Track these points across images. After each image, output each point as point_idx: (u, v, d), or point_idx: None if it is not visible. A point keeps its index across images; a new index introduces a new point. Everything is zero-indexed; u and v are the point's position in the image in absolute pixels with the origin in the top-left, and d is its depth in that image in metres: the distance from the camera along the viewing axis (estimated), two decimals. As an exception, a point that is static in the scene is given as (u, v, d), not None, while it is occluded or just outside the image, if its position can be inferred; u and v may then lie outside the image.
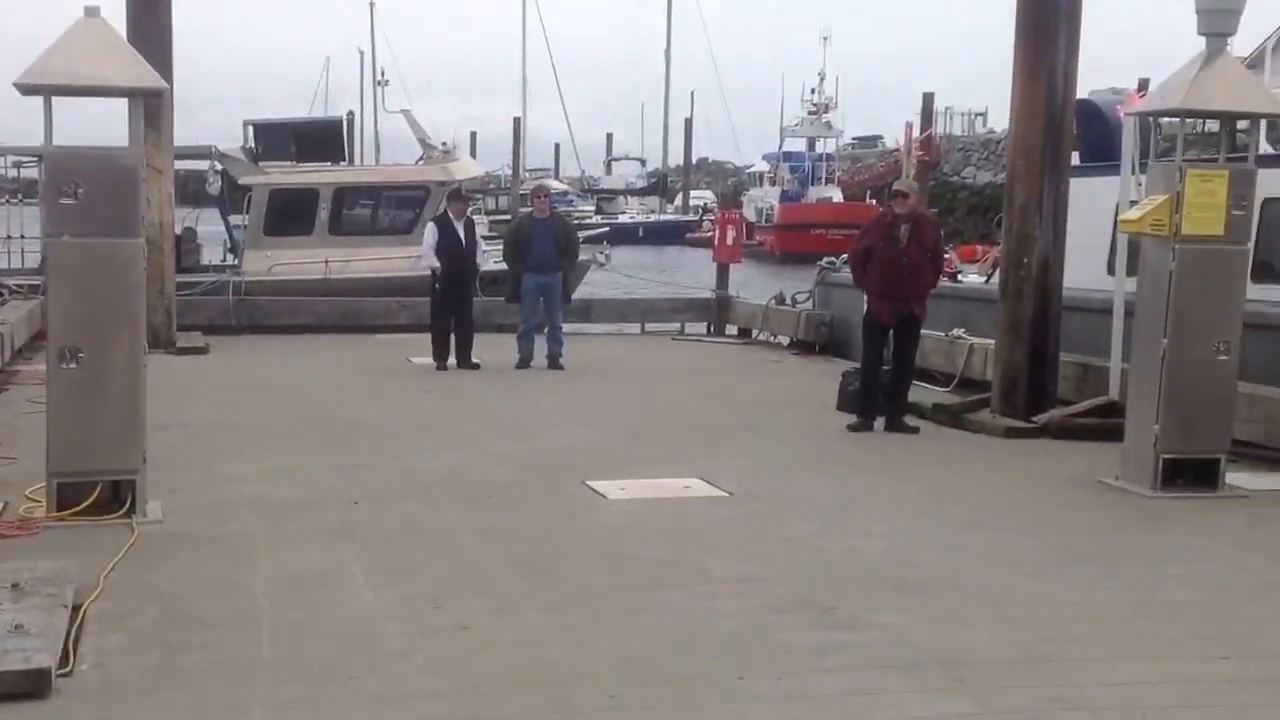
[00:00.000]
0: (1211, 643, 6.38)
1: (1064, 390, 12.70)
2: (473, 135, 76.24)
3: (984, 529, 8.71)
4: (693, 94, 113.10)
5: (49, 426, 8.32)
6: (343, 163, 25.38)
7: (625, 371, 16.84)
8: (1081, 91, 13.38)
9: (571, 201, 75.75)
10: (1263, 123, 12.92)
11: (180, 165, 20.72)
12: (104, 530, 8.02)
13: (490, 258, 18.83)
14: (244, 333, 20.11)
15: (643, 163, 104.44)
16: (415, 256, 19.17)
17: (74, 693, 5.49)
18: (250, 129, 24.45)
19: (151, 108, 10.31)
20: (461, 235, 16.68)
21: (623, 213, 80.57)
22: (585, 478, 9.93)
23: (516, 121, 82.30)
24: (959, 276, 18.61)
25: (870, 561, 7.81)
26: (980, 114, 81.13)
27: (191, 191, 24.20)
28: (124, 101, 8.34)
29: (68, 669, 5.69)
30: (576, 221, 31.84)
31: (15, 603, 6.20)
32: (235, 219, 24.08)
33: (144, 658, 5.92)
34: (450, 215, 16.92)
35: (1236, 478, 10.05)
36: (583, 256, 20.25)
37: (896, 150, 59.82)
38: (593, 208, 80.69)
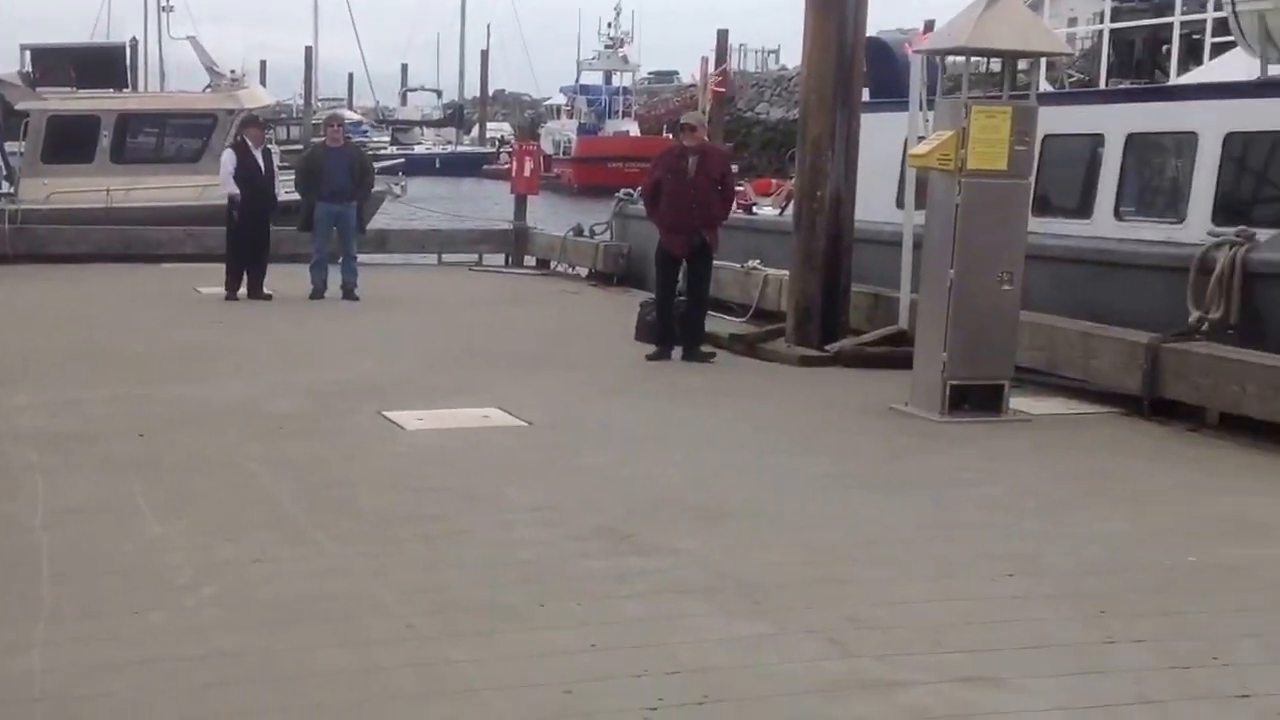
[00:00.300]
0: (997, 561, 6.58)
1: (856, 320, 12.95)
2: (262, 64, 74.10)
3: (780, 455, 8.82)
4: (489, 26, 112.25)
5: None
6: (126, 90, 24.57)
7: (422, 302, 16.62)
8: (870, 30, 13.56)
9: (366, 132, 74.33)
10: (1043, 61, 13.31)
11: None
12: None
13: (283, 187, 18.39)
14: (20, 262, 19.27)
15: (439, 94, 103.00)
16: (202, 185, 18.62)
17: None
18: (27, 53, 23.63)
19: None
20: (261, 163, 16.25)
21: (418, 144, 79.41)
22: (381, 408, 9.77)
23: (308, 50, 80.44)
24: (754, 209, 18.80)
25: (669, 488, 7.85)
26: (773, 51, 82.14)
27: (-37, 118, 23.16)
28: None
29: None
30: (371, 153, 31.24)
31: None
32: (11, 146, 23.14)
33: (-88, 597, 5.63)
34: (248, 142, 16.48)
35: (1020, 403, 10.36)
36: (378, 187, 19.92)
37: (693, 85, 60.09)
38: (388, 138, 79.34)
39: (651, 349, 12.54)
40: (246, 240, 16.23)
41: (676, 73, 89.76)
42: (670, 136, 53.27)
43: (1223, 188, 11.99)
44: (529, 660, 5.15)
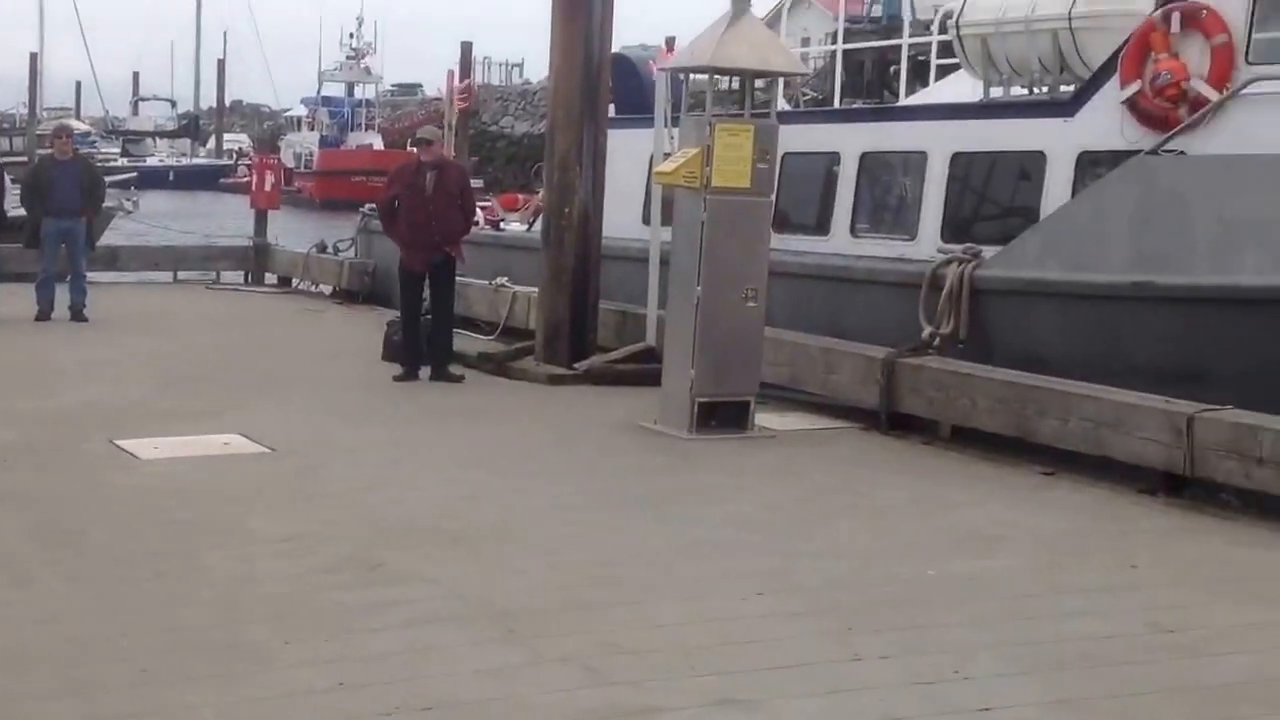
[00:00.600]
0: (748, 579, 6.65)
1: (604, 337, 12.99)
2: (-19, 70, 70.61)
3: (531, 477, 8.76)
4: (226, 33, 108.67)
5: None
6: None
7: (157, 323, 15.99)
8: (614, 47, 13.67)
9: (95, 143, 71.49)
10: (780, 80, 13.62)
11: None
12: None
13: (9, 202, 17.50)
14: None
15: (173, 104, 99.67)
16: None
17: None
18: None
19: None
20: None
21: (151, 155, 76.78)
22: (114, 436, 9.35)
23: (33, 56, 76.87)
24: (501, 225, 18.72)
25: (418, 514, 7.71)
26: (517, 65, 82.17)
27: None
28: None
29: None
30: (101, 165, 29.99)
31: None
32: None
33: None
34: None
35: (765, 419, 10.54)
36: (108, 202, 19.12)
37: (437, 98, 59.70)
38: (118, 150, 76.49)
39: (399, 369, 12.34)
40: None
41: (420, 85, 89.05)
42: (415, 149, 52.91)
43: (950, 206, 12.46)
44: (273, 702, 4.97)
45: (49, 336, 14.64)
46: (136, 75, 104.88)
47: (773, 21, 24.03)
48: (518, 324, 14.41)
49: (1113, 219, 10.55)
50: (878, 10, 35.48)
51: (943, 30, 14.34)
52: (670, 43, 22.25)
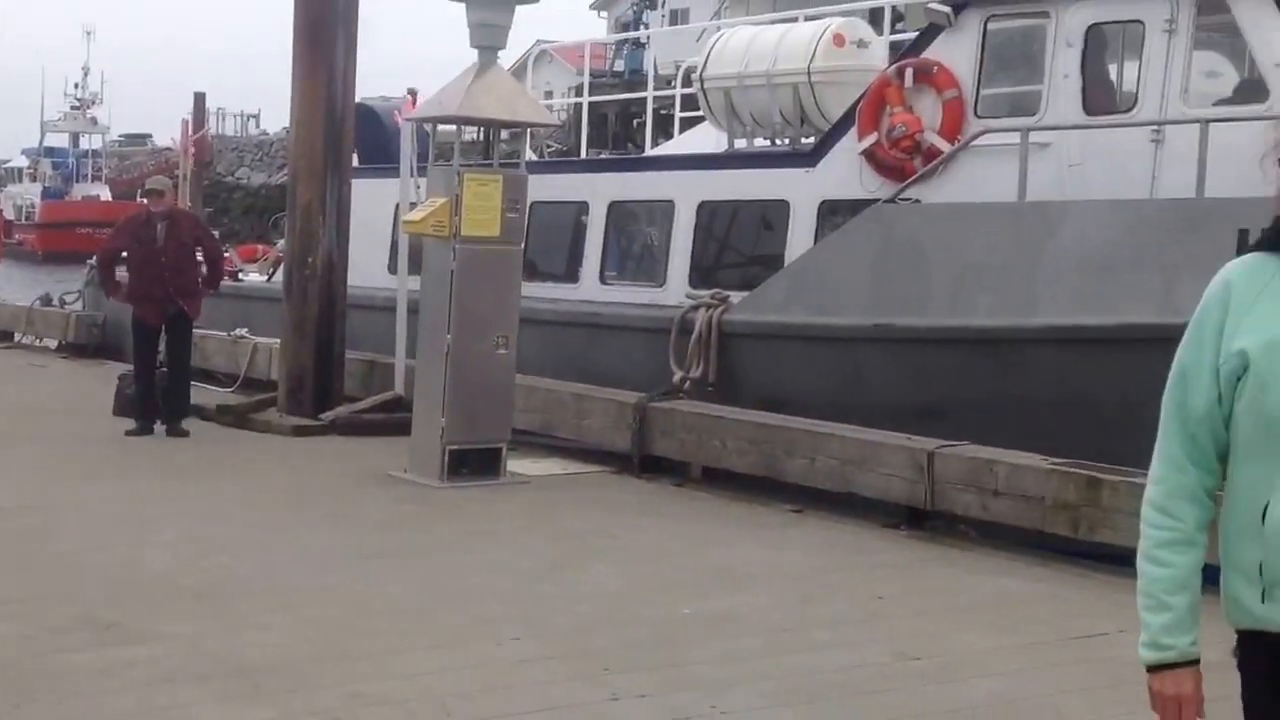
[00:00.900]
0: (503, 625, 6.54)
1: (351, 387, 12.73)
2: None
3: (276, 530, 8.49)
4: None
5: None
6: None
7: None
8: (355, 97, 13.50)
9: None
10: (528, 131, 13.65)
11: None
12: None
13: None
14: None
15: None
16: None
17: None
18: None
19: None
20: None
21: None
22: None
23: None
24: (240, 276, 18.24)
25: (156, 571, 7.37)
26: (253, 115, 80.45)
27: None
28: None
29: None
30: None
31: None
32: None
33: None
34: None
35: (517, 465, 10.46)
36: None
37: (168, 148, 58.13)
38: None
39: (132, 424, 11.83)
40: None
41: (150, 135, 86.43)
42: (145, 201, 51.43)
43: (697, 253, 12.65)
44: (1, 771, 4.64)
45: None
46: None
47: (518, 74, 24.14)
48: (258, 375, 14.01)
49: (853, 264, 10.85)
50: (620, 65, 36.18)
51: (686, 83, 14.61)
52: (413, 94, 22.12)
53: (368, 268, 14.06)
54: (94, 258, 19.44)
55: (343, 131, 12.56)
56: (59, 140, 74.42)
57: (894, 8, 13.47)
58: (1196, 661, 2.83)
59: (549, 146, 20.45)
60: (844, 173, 11.54)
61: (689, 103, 14.81)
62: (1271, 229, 2.80)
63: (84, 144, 73.83)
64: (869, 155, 11.34)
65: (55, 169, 69.54)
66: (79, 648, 5.99)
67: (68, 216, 60.14)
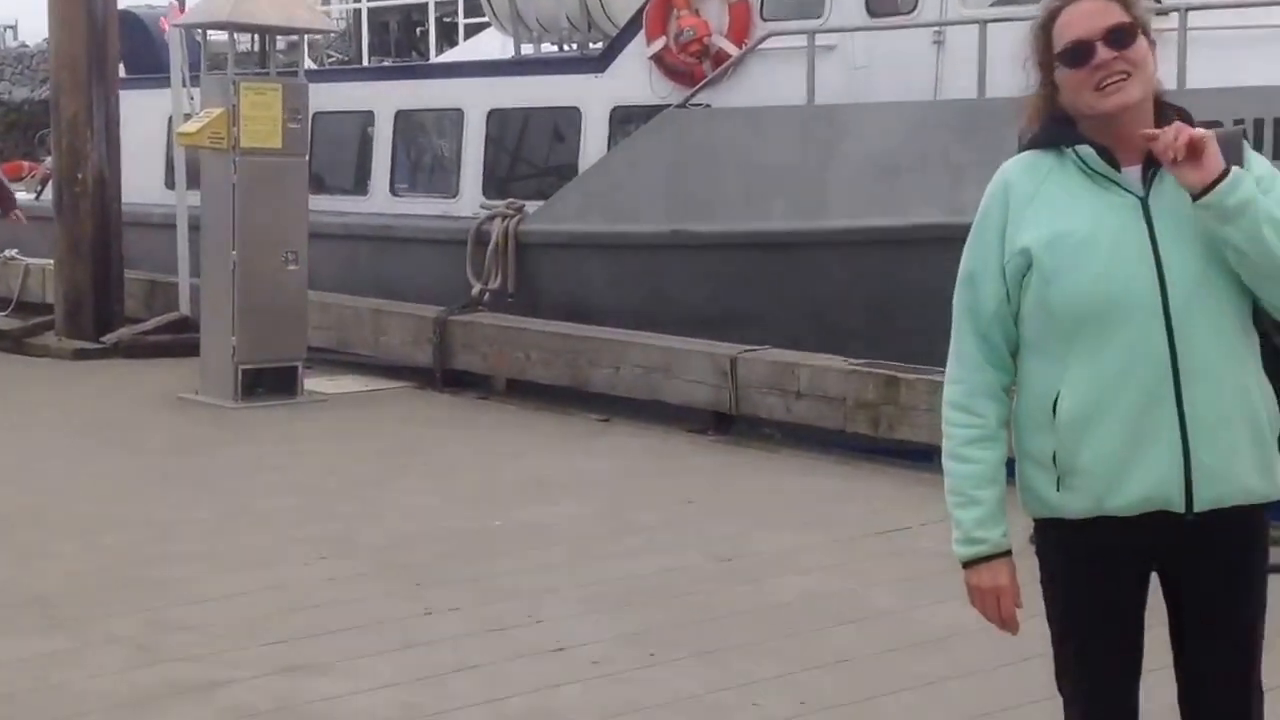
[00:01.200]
0: (308, 545, 6.38)
1: (133, 309, 12.24)
2: None
3: (64, 457, 8.14)
4: None
5: None
6: None
7: None
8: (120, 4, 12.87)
9: None
10: (305, 39, 13.21)
11: None
12: None
13: None
14: None
15: None
16: None
17: None
18: None
19: None
20: None
21: None
22: None
23: None
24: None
25: (-67, 504, 7.00)
26: (11, 27, 76.40)
27: None
28: None
29: None
30: None
31: None
32: None
33: None
34: None
35: (315, 383, 10.21)
36: None
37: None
38: None
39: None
40: None
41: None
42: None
43: (489, 162, 12.42)
44: None
45: None
46: None
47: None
48: (32, 299, 13.38)
49: (648, 171, 10.80)
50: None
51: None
52: (182, 1, 21.21)
53: (143, 184, 13.49)
54: None
55: (106, 40, 11.96)
56: None
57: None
58: (1009, 553, 2.87)
59: (330, 57, 19.80)
60: (634, 78, 11.42)
61: (473, 9, 14.49)
62: (1041, 128, 2.83)
63: None
64: (658, 59, 11.24)
65: None
66: None
67: None
